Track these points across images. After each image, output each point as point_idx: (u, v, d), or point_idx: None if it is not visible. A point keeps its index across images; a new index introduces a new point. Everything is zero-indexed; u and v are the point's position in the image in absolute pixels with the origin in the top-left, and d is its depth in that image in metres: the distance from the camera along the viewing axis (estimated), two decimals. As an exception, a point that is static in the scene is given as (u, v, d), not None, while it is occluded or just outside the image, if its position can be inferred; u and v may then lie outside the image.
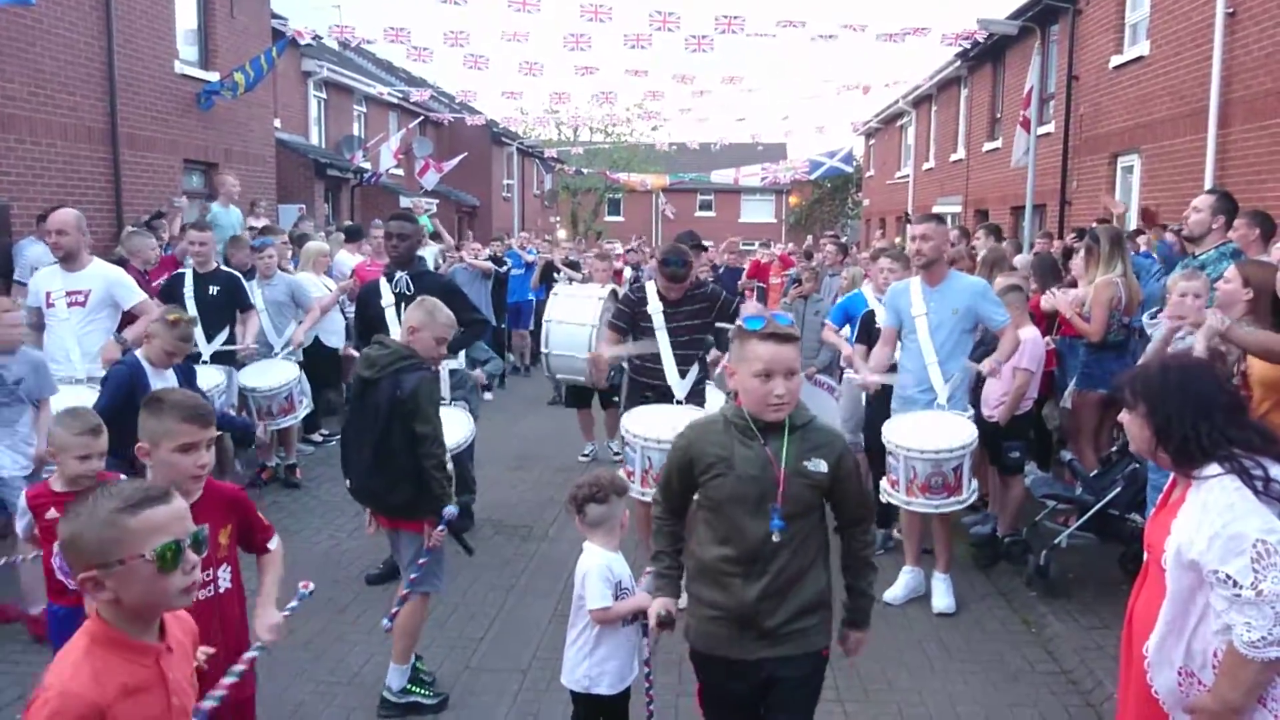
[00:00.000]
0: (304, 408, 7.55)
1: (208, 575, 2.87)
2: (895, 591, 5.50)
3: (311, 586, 2.98)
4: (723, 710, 2.96)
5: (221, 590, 2.91)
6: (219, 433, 6.30)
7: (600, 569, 3.39)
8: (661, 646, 4.83)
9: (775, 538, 2.72)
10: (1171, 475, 2.65)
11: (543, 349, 7.62)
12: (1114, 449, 5.80)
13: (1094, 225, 6.82)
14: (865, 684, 4.50)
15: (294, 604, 2.91)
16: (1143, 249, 6.94)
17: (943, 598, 5.41)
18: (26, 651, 4.63)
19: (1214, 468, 2.42)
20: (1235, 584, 2.29)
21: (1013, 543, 5.88)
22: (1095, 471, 5.71)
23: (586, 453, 8.82)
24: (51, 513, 3.54)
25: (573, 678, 3.43)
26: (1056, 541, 5.48)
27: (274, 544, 3.12)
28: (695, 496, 2.91)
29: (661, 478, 3.04)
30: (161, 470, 2.82)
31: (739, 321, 2.86)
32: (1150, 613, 2.52)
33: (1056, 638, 5.01)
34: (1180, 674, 2.46)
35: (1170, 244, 7.08)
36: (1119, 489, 5.31)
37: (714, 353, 5.99)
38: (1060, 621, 5.15)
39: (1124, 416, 2.66)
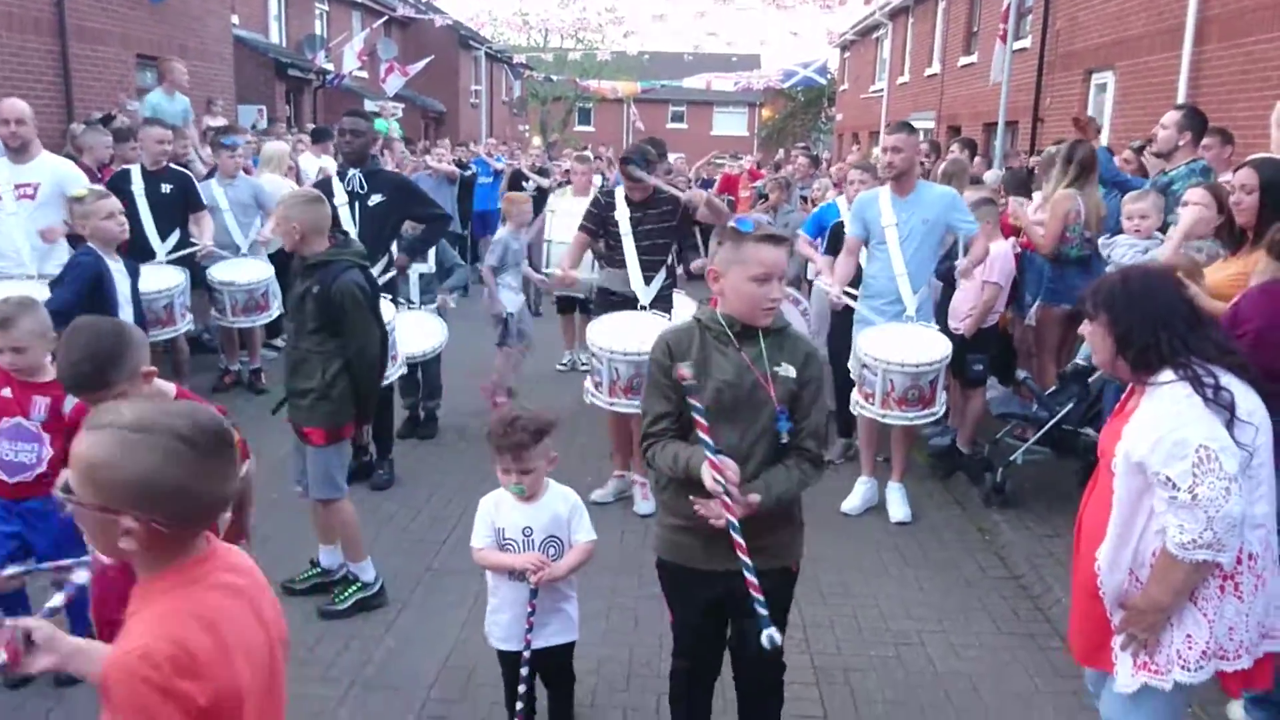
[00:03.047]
0: (275, 308, 7.42)
1: None
2: (852, 502, 5.58)
3: None
4: (689, 613, 2.95)
5: None
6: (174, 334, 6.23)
7: (483, 508, 3.17)
8: (623, 550, 4.93)
9: (784, 439, 2.69)
10: (1129, 386, 2.68)
11: (543, 268, 7.56)
12: (1069, 367, 5.87)
13: (1067, 140, 6.76)
14: (822, 589, 4.60)
15: None
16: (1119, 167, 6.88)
17: (899, 507, 5.51)
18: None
19: (1168, 374, 2.46)
20: (1174, 486, 2.34)
21: (974, 459, 5.96)
22: (1052, 389, 5.79)
23: (564, 362, 8.79)
24: (5, 390, 3.45)
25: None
26: (1012, 459, 5.58)
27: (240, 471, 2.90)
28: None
29: (648, 398, 2.85)
30: None
31: (730, 223, 2.76)
32: (1100, 516, 2.57)
33: (1009, 545, 5.14)
34: (1129, 577, 2.52)
35: (1115, 163, 6.91)
36: (1072, 405, 5.39)
37: (696, 263, 5.78)
38: (1014, 530, 5.27)
39: (1085, 328, 2.67)
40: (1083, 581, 2.64)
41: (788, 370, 2.73)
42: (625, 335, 5.22)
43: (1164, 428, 2.38)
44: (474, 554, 3.15)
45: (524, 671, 3.03)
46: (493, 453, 3.09)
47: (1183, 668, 2.45)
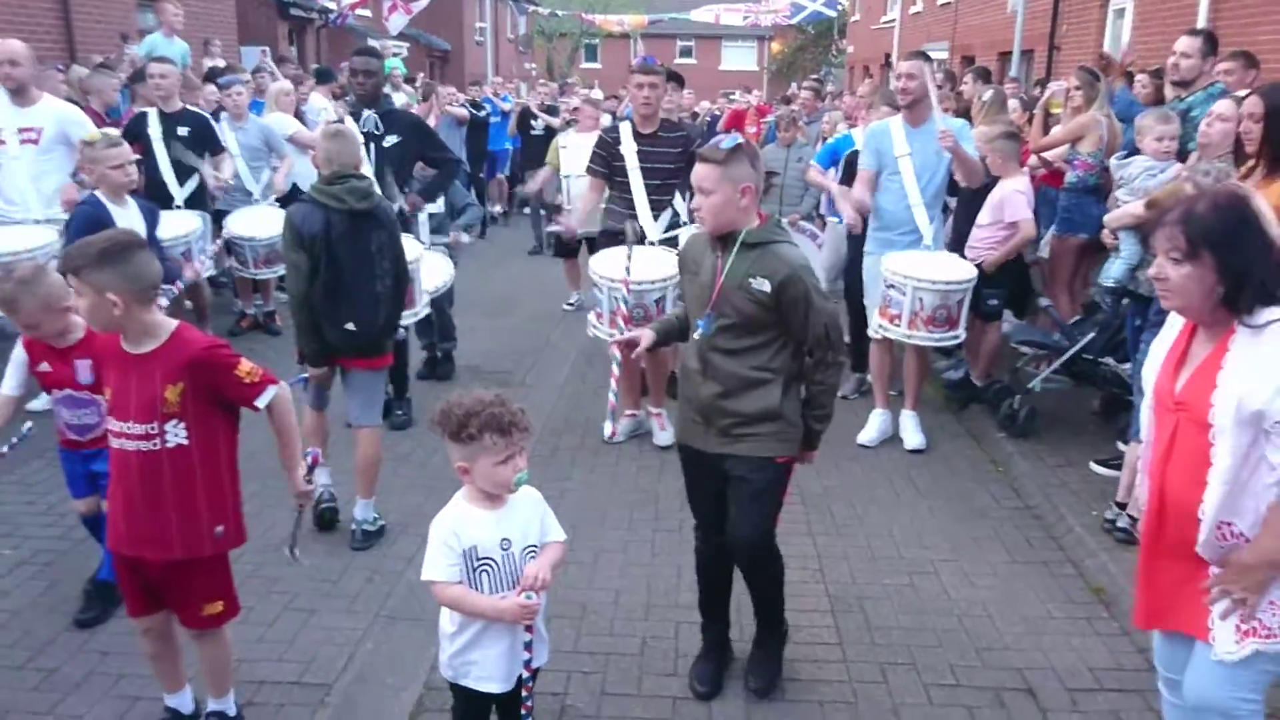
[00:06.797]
0: None
1: (151, 428, 2.68)
2: (868, 434, 5.61)
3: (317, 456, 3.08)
4: (698, 497, 3.35)
5: (170, 445, 2.71)
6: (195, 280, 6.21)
7: (442, 530, 2.46)
8: (638, 484, 4.97)
9: (695, 334, 3.10)
10: (1181, 324, 2.38)
11: (565, 205, 7.41)
12: (1093, 294, 5.84)
13: (1088, 65, 6.66)
14: (835, 519, 4.66)
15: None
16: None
17: (914, 435, 5.55)
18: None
19: (1273, 311, 2.18)
20: None
21: (996, 389, 5.93)
22: (1075, 318, 5.77)
23: (571, 301, 8.81)
24: (43, 365, 3.42)
25: (441, 659, 2.63)
26: (1030, 386, 5.58)
27: (264, 400, 2.82)
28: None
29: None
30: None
31: None
32: (1187, 473, 2.29)
33: (1022, 475, 5.17)
34: (1217, 530, 2.27)
35: (1131, 94, 6.74)
36: (1093, 334, 5.37)
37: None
38: (1026, 460, 5.30)
39: (1170, 270, 2.25)
40: (1171, 544, 2.36)
41: (760, 284, 2.96)
42: (623, 264, 5.18)
43: None
44: (438, 593, 2.45)
45: (530, 703, 2.54)
46: (462, 448, 2.43)
47: None
